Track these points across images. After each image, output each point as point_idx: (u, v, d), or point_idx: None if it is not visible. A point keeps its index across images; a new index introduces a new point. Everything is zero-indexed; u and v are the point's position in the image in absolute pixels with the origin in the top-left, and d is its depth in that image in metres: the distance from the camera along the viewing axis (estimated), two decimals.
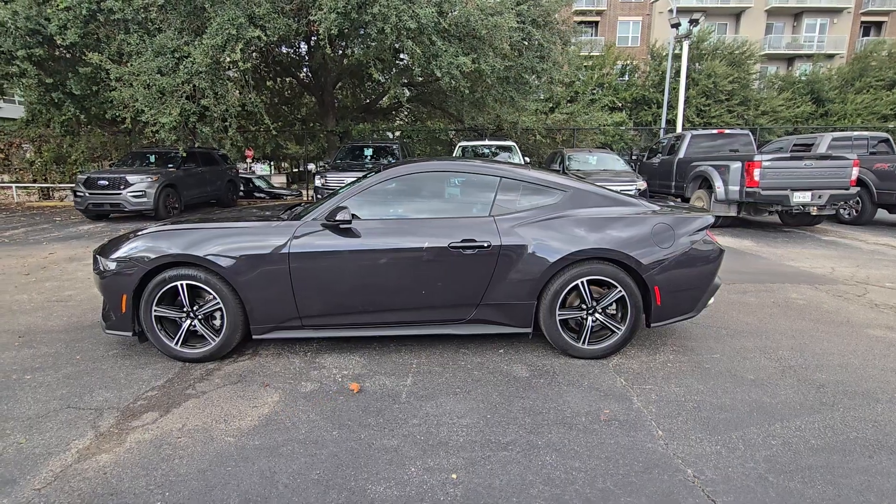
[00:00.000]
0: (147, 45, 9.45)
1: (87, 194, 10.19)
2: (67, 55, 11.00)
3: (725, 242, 7.59)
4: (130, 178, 10.24)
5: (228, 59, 8.62)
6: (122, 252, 3.06)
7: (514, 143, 12.49)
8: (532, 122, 16.14)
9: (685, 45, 15.85)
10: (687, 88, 17.87)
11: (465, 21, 9.63)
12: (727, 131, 10.90)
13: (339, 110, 17.34)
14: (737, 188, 8.24)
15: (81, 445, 2.21)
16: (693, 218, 3.21)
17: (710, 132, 11.03)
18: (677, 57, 16.63)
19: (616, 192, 3.41)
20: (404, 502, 1.84)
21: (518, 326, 3.14)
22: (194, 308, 3.07)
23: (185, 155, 11.20)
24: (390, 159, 11.66)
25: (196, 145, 12.63)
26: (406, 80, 11.87)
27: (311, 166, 16.50)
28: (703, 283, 3.20)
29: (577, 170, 11.25)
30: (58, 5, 9.49)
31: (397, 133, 17.99)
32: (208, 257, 2.96)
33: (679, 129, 15.95)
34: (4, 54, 9.96)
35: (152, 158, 11.73)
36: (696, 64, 21.03)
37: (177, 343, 3.08)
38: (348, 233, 3.04)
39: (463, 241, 3.02)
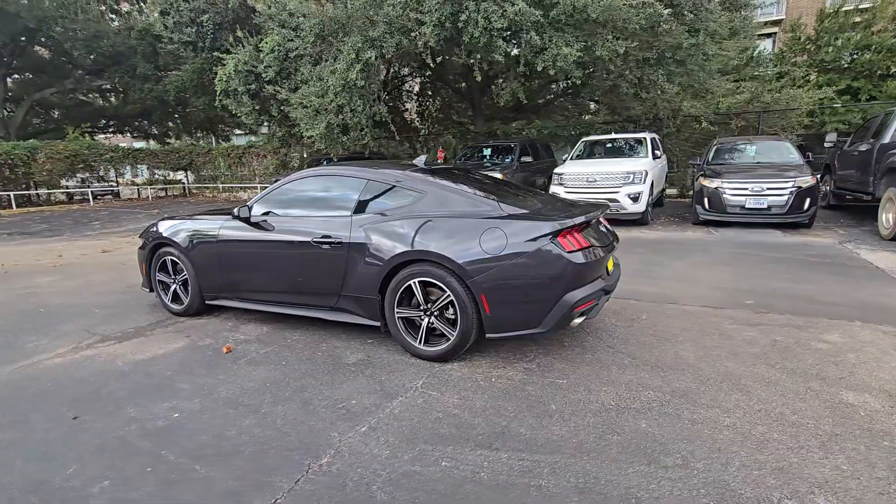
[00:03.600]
0: (312, 74, 11.91)
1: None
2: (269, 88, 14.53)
3: (870, 258, 5.69)
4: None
5: (354, 79, 10.26)
6: (142, 235, 4.48)
7: (649, 136, 11.20)
8: (703, 107, 13.93)
9: None
10: None
11: (572, 8, 9.22)
12: None
13: (491, 111, 18.13)
14: None
15: (74, 345, 3.56)
16: (536, 224, 2.92)
17: None
18: None
19: (480, 194, 3.31)
20: (165, 418, 2.54)
21: (370, 319, 3.41)
22: (176, 276, 4.29)
23: (335, 159, 13.61)
24: (508, 159, 11.89)
25: (346, 151, 15.01)
26: (521, 80, 11.83)
27: None
28: (547, 296, 2.89)
29: (720, 163, 9.60)
30: (264, 50, 12.73)
31: (543, 131, 17.70)
32: (175, 240, 4.14)
33: None
34: (233, 92, 13.84)
35: (325, 163, 14.60)
36: None
37: (169, 301, 4.37)
38: (252, 226, 3.80)
39: (322, 237, 3.46)
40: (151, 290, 4.51)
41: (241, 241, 3.85)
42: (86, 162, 17.78)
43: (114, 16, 21.68)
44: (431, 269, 3.06)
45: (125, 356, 3.45)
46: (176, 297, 4.34)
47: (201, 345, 3.64)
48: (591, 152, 11.31)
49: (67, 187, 18.00)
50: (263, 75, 13.03)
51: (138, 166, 21.78)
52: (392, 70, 17.50)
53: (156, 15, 15.23)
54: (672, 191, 14.98)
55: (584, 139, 11.78)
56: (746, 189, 8.47)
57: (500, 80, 12.68)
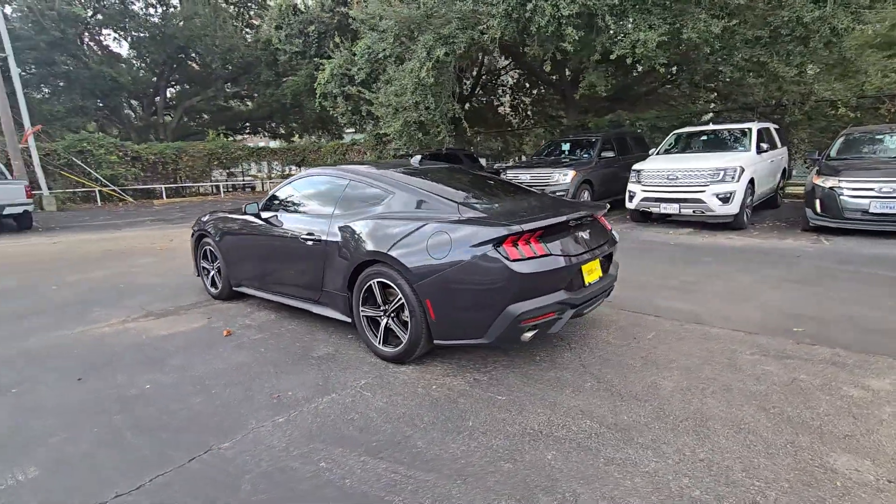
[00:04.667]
0: (395, 74, 12.42)
1: None
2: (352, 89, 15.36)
3: None
4: None
5: (424, 77, 10.47)
6: (193, 225, 5.13)
7: (756, 126, 9.73)
8: (843, 90, 11.68)
9: None
10: None
11: None
12: None
13: (586, 103, 17.19)
14: None
15: (123, 318, 4.25)
16: (481, 229, 2.76)
17: None
18: None
19: (445, 194, 3.21)
20: (139, 388, 2.96)
21: (344, 315, 3.53)
22: (214, 263, 4.85)
23: (410, 157, 13.99)
24: (587, 154, 11.23)
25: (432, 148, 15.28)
26: (603, 69, 10.96)
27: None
28: (489, 306, 2.73)
29: (845, 158, 8.07)
30: (357, 54, 13.57)
31: (641, 123, 16.24)
32: (210, 231, 4.67)
33: None
34: (330, 94, 14.97)
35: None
36: None
37: (209, 285, 4.95)
38: (263, 222, 4.14)
39: (307, 233, 3.65)
40: (199, 276, 5.15)
41: (252, 234, 4.22)
42: (219, 159, 20.62)
43: (249, 30, 24.72)
44: (387, 270, 3.07)
45: (151, 331, 4.01)
46: (214, 283, 4.90)
47: (213, 327, 4.08)
48: (686, 146, 10.20)
49: (215, 180, 21.08)
50: (356, 77, 13.89)
51: (262, 163, 24.68)
52: (482, 65, 17.49)
53: (273, 30, 17.02)
54: (796, 189, 12.88)
55: (677, 131, 10.65)
56: (872, 189, 6.98)
57: (585, 71, 11.94)
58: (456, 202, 3.14)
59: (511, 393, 2.76)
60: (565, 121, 17.50)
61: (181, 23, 21.55)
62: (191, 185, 20.41)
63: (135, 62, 23.36)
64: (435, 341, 2.97)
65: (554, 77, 16.64)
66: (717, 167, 8.22)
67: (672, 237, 7.61)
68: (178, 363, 3.33)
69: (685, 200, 8.34)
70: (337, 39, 14.89)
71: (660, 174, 8.78)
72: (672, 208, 8.50)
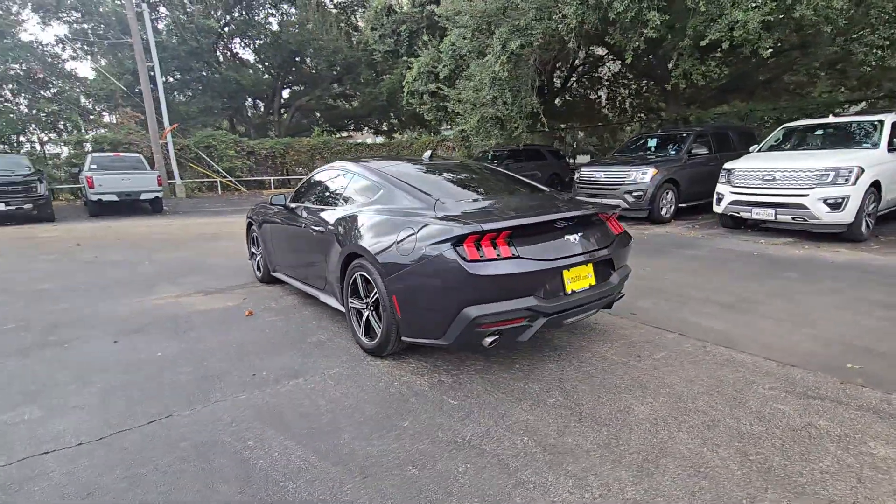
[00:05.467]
0: (474, 70, 12.41)
1: None
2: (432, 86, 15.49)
3: None
4: None
5: (498, 71, 10.29)
6: (247, 214, 5.65)
7: (892, 118, 8.11)
8: None
9: None
10: None
11: None
12: None
13: (692, 94, 15.60)
14: None
15: (177, 294, 4.86)
16: (442, 227, 2.65)
17: None
18: None
19: (422, 190, 3.14)
20: (150, 354, 3.39)
21: (340, 304, 3.64)
22: (259, 249, 5.29)
23: (489, 154, 13.81)
24: (673, 151, 10.24)
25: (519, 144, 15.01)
26: (696, 56, 9.74)
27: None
28: (446, 307, 2.63)
29: None
30: (443, 51, 13.78)
31: (754, 114, 14.24)
32: (255, 219, 5.11)
33: None
34: (417, 92, 15.38)
35: (488, 156, 15.02)
36: None
37: (255, 269, 5.43)
38: (289, 212, 4.42)
39: (315, 223, 3.83)
40: (250, 260, 5.66)
41: (280, 223, 4.53)
42: (321, 154, 22.32)
43: (355, 32, 26.33)
44: (366, 264, 3.11)
45: (193, 306, 4.51)
46: (258, 267, 5.36)
47: (243, 306, 4.47)
48: (799, 141, 8.83)
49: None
50: (440, 74, 14.12)
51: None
52: (573, 56, 16.72)
53: (368, 30, 17.96)
54: None
55: (787, 125, 9.24)
56: None
57: (677, 57, 10.81)
58: (434, 199, 3.07)
59: (466, 398, 2.64)
60: (664, 114, 16.08)
61: (295, 29, 23.64)
62: (296, 176, 22.37)
63: (259, 66, 26.18)
64: (402, 338, 2.94)
65: (650, 66, 15.33)
66: (826, 167, 6.98)
67: (761, 247, 6.64)
68: (195, 336, 3.71)
69: (783, 205, 7.21)
70: (425, 37, 15.25)
71: (754, 174, 7.69)
72: (766, 214, 7.40)
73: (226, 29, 22.80)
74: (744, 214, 7.75)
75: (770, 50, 8.33)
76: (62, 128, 17.26)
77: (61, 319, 4.14)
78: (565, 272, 2.83)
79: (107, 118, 20.62)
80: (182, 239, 8.68)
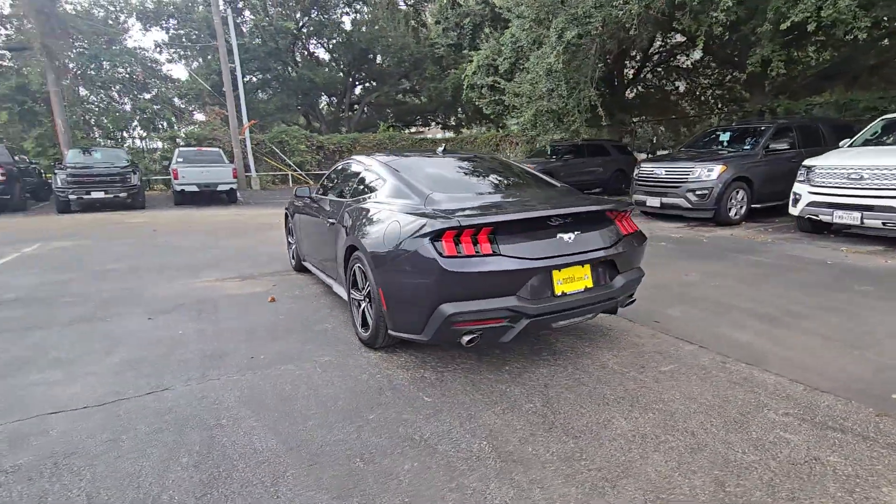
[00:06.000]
0: (531, 62, 12.09)
1: None
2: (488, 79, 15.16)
3: None
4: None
5: (552, 63, 9.93)
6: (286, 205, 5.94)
7: None
8: None
9: None
10: None
11: None
12: None
13: (784, 83, 14.09)
14: None
15: (217, 278, 5.24)
16: (421, 221, 2.60)
17: None
18: None
19: (414, 185, 3.09)
20: (173, 331, 3.70)
21: (346, 295, 3.72)
22: (293, 238, 5.54)
23: (554, 148, 13.37)
24: (748, 146, 9.34)
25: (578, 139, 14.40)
26: (778, 42, 8.67)
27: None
28: (423, 303, 2.59)
29: None
30: (503, 44, 13.58)
31: (857, 105, 12.50)
32: (289, 210, 5.37)
33: None
34: (476, 86, 15.28)
35: (546, 150, 14.58)
36: None
37: (290, 258, 5.70)
38: (313, 202, 4.58)
39: (329, 215, 3.94)
40: (288, 245, 5.96)
41: (306, 214, 4.71)
42: (386, 149, 22.92)
43: (424, 28, 26.66)
44: (361, 256, 3.15)
45: (226, 290, 4.83)
46: (293, 256, 5.62)
47: (270, 292, 4.71)
48: None
49: None
50: (500, 67, 13.92)
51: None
52: (647, 45, 15.77)
53: (433, 24, 18.11)
54: None
55: (887, 116, 8.08)
56: None
57: (754, 43, 9.73)
58: (426, 193, 3.03)
59: (441, 396, 2.59)
60: (747, 105, 14.67)
61: (364, 28, 24.39)
62: None
63: (332, 64, 27.38)
64: (389, 332, 2.94)
65: (733, 52, 14.02)
66: None
67: (839, 255, 5.87)
68: (216, 318, 3.97)
69: (872, 208, 6.32)
70: (487, 30, 15.09)
71: (838, 172, 6.82)
72: (850, 217, 6.51)
73: (303, 30, 24.04)
74: (823, 217, 6.89)
75: (866, 32, 7.26)
76: (158, 125, 19.20)
77: (113, 297, 4.61)
78: (555, 272, 2.67)
79: (197, 116, 22.66)
80: (244, 228, 9.32)
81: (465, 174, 3.62)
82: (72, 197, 11.97)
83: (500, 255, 2.54)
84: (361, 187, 3.71)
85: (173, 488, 1.89)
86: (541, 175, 3.84)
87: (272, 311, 4.11)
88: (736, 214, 8.73)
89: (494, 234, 2.57)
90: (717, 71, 17.25)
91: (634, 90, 19.72)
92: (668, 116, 19.98)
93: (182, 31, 21.18)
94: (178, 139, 18.71)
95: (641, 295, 4.34)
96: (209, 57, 21.48)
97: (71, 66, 17.01)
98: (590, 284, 2.80)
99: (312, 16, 23.90)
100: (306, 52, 26.90)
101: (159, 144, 19.02)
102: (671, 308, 4.03)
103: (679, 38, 16.86)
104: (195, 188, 13.82)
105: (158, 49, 20.96)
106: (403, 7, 24.83)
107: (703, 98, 18.75)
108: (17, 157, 13.96)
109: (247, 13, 22.99)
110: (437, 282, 2.49)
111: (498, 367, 2.94)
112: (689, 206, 8.66)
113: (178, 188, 13.75)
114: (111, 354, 3.23)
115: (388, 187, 3.31)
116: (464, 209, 2.81)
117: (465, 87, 15.81)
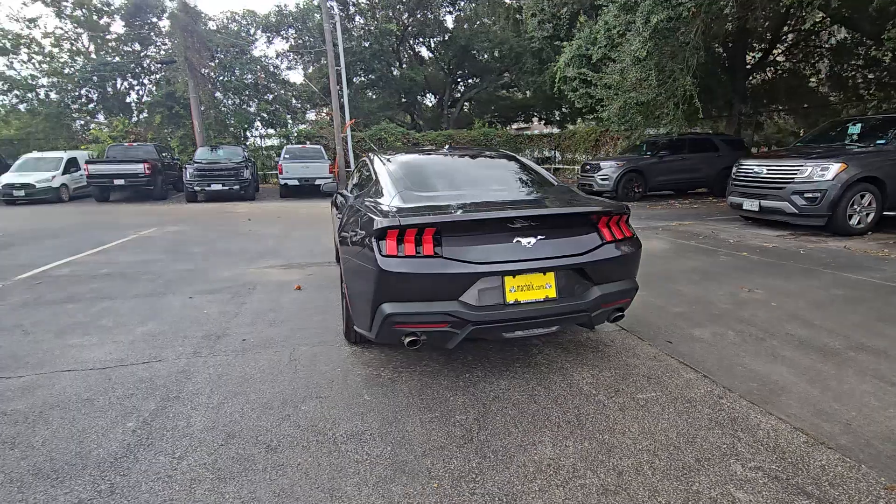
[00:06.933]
0: (623, 50, 11.23)
1: (578, 176, 13.69)
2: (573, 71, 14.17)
3: None
4: (603, 163, 12.75)
5: (639, 48, 9.09)
6: None
7: None
8: None
9: None
10: None
11: None
12: None
13: None
14: None
15: (265, 266, 5.77)
16: (371, 219, 2.57)
17: None
18: None
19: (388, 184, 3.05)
20: (201, 311, 4.17)
21: None
22: None
23: (650, 142, 12.27)
24: (881, 140, 7.71)
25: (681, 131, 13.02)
26: None
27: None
28: (367, 301, 2.56)
29: None
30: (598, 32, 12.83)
31: None
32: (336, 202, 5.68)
33: None
34: (567, 78, 14.60)
35: (644, 146, 13.46)
36: None
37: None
38: (340, 199, 4.79)
39: (339, 211, 4.10)
40: None
41: (335, 208, 4.94)
42: (480, 145, 22.95)
43: (524, 22, 26.10)
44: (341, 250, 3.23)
45: (267, 276, 5.27)
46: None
47: (300, 280, 5.04)
48: None
49: None
50: (593, 57, 13.15)
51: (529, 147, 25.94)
52: (777, 25, 13.81)
53: (528, 17, 17.64)
54: None
55: None
56: None
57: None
58: (397, 191, 2.99)
59: (382, 397, 2.58)
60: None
61: (466, 25, 24.59)
62: None
63: (434, 63, 28.11)
64: (353, 327, 2.98)
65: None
66: None
67: None
68: (242, 300, 4.36)
69: None
70: (582, 19, 14.30)
71: None
72: None
73: (407, 30, 25.02)
74: None
75: None
76: (276, 124, 21.47)
77: (179, 277, 5.30)
78: (508, 279, 2.49)
79: (309, 115, 24.88)
80: (323, 220, 10.04)
81: (456, 172, 3.49)
82: (196, 188, 13.92)
83: (442, 257, 2.43)
84: (361, 184, 3.80)
85: (105, 446, 2.14)
86: (543, 174, 3.56)
87: (293, 299, 4.40)
88: (859, 223, 7.26)
89: (440, 236, 2.47)
90: (865, 50, 14.36)
91: (761, 76, 17.25)
92: (802, 105, 17.16)
93: (300, 41, 23.35)
94: (290, 137, 20.71)
95: (672, 311, 3.87)
96: (323, 60, 23.37)
97: (209, 73, 19.73)
98: (552, 294, 2.55)
99: (417, 16, 24.73)
100: (411, 52, 27.94)
101: (276, 142, 21.24)
102: (700, 328, 3.50)
103: (819, 14, 14.35)
104: (296, 182, 15.20)
105: (279, 57, 23.40)
106: (506, 1, 24.53)
107: (850, 83, 15.77)
108: (164, 154, 16.62)
109: (357, 18, 24.57)
110: (376, 281, 2.47)
111: (459, 375, 2.83)
112: (795, 210, 7.39)
113: (283, 182, 15.24)
114: (142, 325, 3.73)
115: (374, 185, 3.34)
116: (422, 207, 2.73)
117: (556, 79, 15.17)
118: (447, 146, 4.11)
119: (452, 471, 1.95)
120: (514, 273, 2.48)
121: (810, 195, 7.23)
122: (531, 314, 2.51)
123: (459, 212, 2.59)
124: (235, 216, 10.87)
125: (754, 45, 16.40)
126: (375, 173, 3.49)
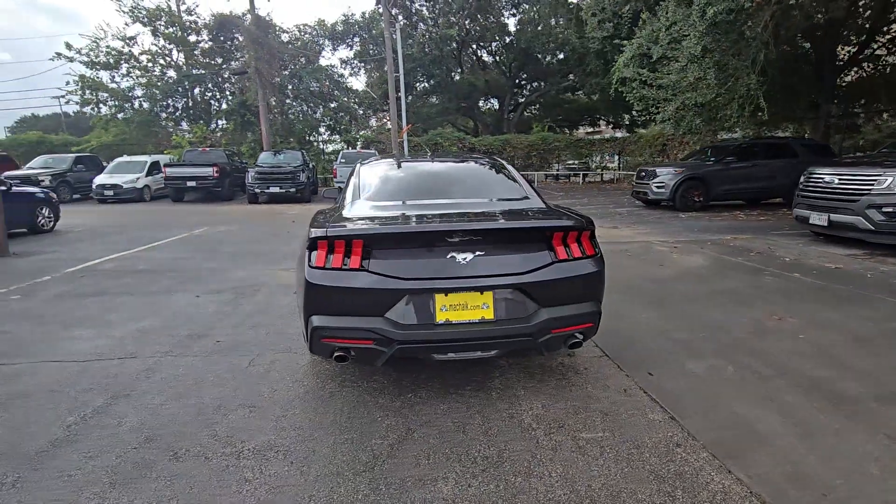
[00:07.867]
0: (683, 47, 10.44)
1: (634, 182, 12.91)
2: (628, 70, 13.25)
3: None
4: (659, 170, 11.92)
5: (693, 46, 8.37)
6: None
7: None
8: None
9: None
10: None
11: None
12: None
13: None
14: None
15: (277, 268, 5.97)
16: (311, 228, 2.50)
17: None
18: None
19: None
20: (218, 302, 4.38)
21: None
22: None
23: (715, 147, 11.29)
24: None
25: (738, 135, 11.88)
26: None
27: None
28: (300, 308, 2.52)
29: None
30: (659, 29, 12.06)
31: None
32: None
33: None
34: (627, 79, 13.82)
35: (709, 152, 12.41)
36: None
37: None
38: None
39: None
40: None
41: None
42: (537, 150, 22.44)
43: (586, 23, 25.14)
44: None
45: (277, 278, 5.42)
46: None
47: None
48: None
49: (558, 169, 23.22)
50: (653, 56, 12.38)
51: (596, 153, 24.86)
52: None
53: (588, 17, 16.95)
54: None
55: None
56: None
57: None
58: (353, 199, 2.93)
59: (315, 409, 2.53)
60: None
61: (528, 28, 24.18)
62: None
63: (496, 67, 27.92)
64: None
65: None
66: None
67: None
68: (244, 302, 4.50)
69: None
70: (644, 16, 13.47)
71: None
72: None
73: (469, 35, 25.07)
74: None
75: None
76: (339, 130, 22.40)
77: (199, 275, 5.61)
78: (439, 297, 2.33)
79: (372, 121, 25.67)
80: None
81: (424, 182, 3.34)
82: (257, 190, 14.82)
83: (367, 270, 2.32)
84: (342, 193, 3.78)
85: (37, 439, 2.27)
86: (522, 184, 3.30)
87: (288, 302, 4.48)
88: None
89: (370, 248, 2.36)
90: None
91: (856, 73, 15.27)
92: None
93: (363, 49, 24.22)
94: (350, 142, 21.48)
95: (673, 337, 3.49)
96: (384, 69, 24.07)
97: (279, 82, 21.03)
98: (489, 316, 2.35)
99: (479, 20, 24.71)
100: (474, 58, 27.95)
101: (339, 147, 22.15)
102: (697, 360, 3.10)
103: None
104: None
105: (344, 65, 24.42)
106: (571, 2, 23.81)
107: None
108: (234, 158, 17.90)
109: (420, 26, 25.02)
110: (305, 292, 2.41)
111: (402, 393, 2.70)
112: (870, 227, 6.42)
113: (337, 185, 15.81)
114: (140, 321, 3.97)
115: (343, 193, 3.30)
116: (362, 218, 2.64)
117: (614, 80, 14.42)
118: (430, 154, 3.99)
119: (334, 501, 1.83)
120: (445, 291, 2.32)
121: (890, 210, 6.24)
122: (464, 336, 2.33)
123: (393, 224, 2.47)
124: (282, 218, 11.40)
125: (851, 37, 14.56)
126: (349, 180, 3.46)
